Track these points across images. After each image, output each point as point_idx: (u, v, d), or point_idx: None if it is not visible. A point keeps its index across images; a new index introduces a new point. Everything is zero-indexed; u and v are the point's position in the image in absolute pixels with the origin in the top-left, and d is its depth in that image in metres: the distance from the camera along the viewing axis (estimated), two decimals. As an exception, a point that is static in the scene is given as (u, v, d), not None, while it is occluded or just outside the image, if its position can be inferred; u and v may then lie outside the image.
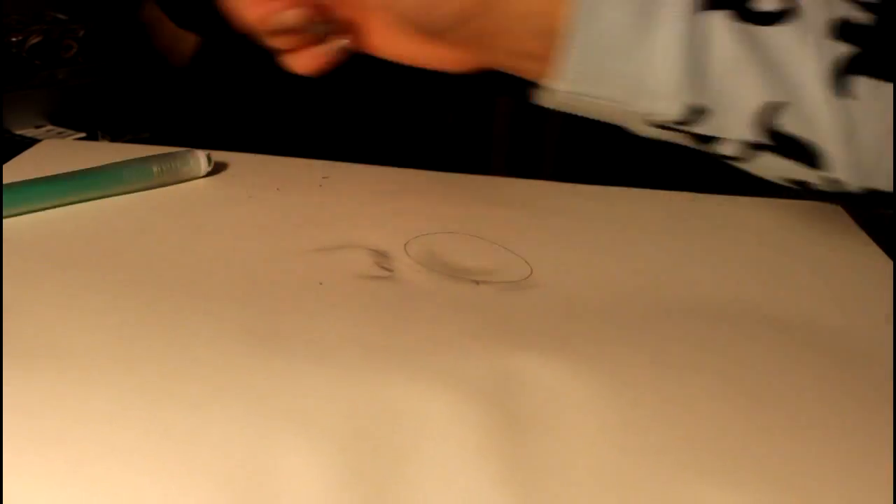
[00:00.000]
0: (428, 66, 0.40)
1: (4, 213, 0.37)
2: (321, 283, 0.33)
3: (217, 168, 0.44)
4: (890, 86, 0.36)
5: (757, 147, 0.37)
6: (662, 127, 0.37)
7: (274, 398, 0.26)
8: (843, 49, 0.36)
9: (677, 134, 0.37)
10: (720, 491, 0.23)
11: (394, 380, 0.27)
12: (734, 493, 0.23)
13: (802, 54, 0.36)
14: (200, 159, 0.43)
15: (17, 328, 0.29)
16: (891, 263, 0.38)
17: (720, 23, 0.36)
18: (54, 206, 0.39)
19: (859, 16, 0.36)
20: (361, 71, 0.45)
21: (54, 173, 0.40)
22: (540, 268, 0.36)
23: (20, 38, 0.60)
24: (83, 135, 0.58)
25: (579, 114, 0.38)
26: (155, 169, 0.41)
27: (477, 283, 0.34)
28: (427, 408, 0.26)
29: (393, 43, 0.40)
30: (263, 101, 0.70)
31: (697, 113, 0.36)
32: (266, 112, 0.68)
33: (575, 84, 0.36)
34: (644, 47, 0.36)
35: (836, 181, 0.37)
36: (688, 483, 0.23)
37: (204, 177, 0.44)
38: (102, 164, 0.41)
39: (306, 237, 0.37)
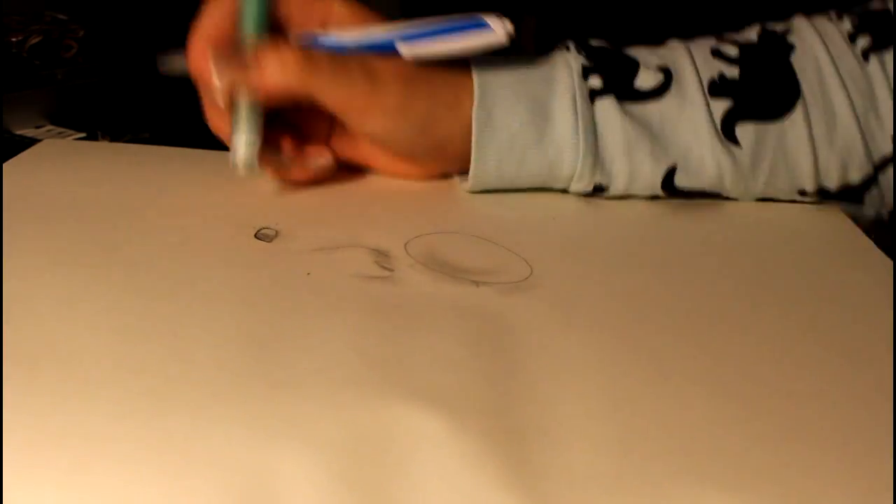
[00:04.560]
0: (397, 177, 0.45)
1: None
2: (321, 283, 0.33)
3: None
4: (770, 124, 0.41)
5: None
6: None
7: (273, 406, 0.25)
8: (722, 104, 0.41)
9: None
10: (720, 495, 0.23)
11: (393, 388, 0.27)
12: (734, 497, 0.23)
13: (683, 119, 0.41)
14: None
15: (17, 330, 0.29)
16: (891, 263, 0.38)
17: (608, 108, 0.41)
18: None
19: (731, 70, 0.42)
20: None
21: (54, 173, 0.40)
22: (540, 268, 0.36)
23: (20, 38, 0.60)
24: (83, 135, 0.58)
25: None
26: None
27: (477, 284, 0.34)
28: (426, 416, 0.25)
29: (369, 157, 0.45)
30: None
31: (604, 188, 0.42)
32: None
33: (487, 185, 0.42)
34: (543, 144, 0.41)
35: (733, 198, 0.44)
36: (688, 488, 0.23)
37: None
38: (101, 164, 0.41)
39: (305, 237, 0.37)
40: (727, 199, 0.44)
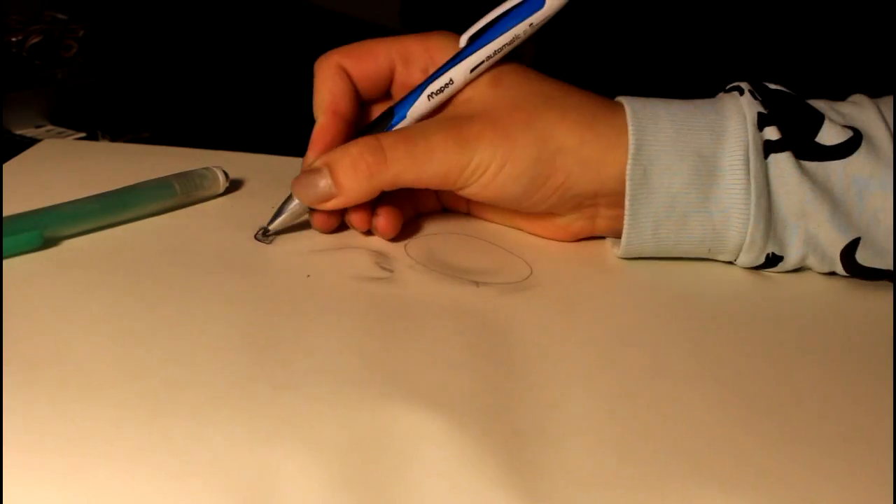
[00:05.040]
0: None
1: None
2: (320, 285, 0.33)
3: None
4: None
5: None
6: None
7: (273, 408, 0.25)
8: None
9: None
10: (720, 495, 0.23)
11: (392, 390, 0.27)
12: (735, 497, 0.23)
13: (872, 184, 0.35)
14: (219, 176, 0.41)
15: (18, 334, 0.29)
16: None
17: (784, 166, 0.35)
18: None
19: None
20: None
21: (54, 173, 0.40)
22: (540, 268, 0.36)
23: (20, 37, 0.60)
24: (83, 134, 0.58)
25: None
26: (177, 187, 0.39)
27: (477, 284, 0.34)
28: (425, 417, 0.25)
29: (490, 216, 0.40)
30: (258, 98, 0.70)
31: (776, 260, 0.36)
32: (263, 109, 0.68)
33: (642, 253, 0.37)
34: (707, 207, 0.35)
35: None
36: (688, 488, 0.23)
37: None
38: (101, 164, 0.41)
39: (305, 238, 0.37)
40: None
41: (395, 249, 0.37)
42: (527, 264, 0.37)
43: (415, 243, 0.38)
